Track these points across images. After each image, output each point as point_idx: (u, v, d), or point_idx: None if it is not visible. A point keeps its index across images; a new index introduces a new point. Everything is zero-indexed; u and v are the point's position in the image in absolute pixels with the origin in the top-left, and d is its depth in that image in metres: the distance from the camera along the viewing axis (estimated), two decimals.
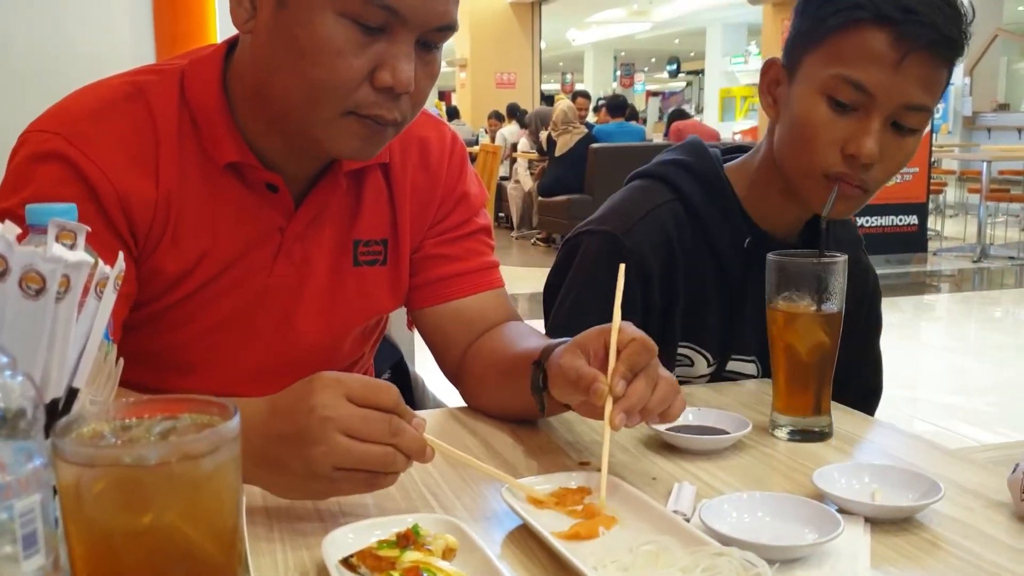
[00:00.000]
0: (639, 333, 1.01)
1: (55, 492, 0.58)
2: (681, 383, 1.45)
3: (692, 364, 1.46)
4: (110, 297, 0.70)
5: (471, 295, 1.31)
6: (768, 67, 1.38)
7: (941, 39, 1.22)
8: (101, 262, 0.70)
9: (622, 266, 1.05)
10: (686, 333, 1.44)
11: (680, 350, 1.45)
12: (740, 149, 1.52)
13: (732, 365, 1.47)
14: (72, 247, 0.68)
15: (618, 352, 0.99)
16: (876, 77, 1.22)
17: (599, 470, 1.01)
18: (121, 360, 0.76)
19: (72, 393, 0.68)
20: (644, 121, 11.52)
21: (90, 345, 0.68)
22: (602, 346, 1.01)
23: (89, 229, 0.69)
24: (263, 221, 1.17)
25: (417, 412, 1.32)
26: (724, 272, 1.43)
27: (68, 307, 0.64)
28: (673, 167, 1.46)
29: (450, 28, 1.05)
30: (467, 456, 0.95)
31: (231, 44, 1.16)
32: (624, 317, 1.38)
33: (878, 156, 1.25)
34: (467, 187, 1.34)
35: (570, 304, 1.43)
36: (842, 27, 1.24)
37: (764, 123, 1.60)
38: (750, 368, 1.49)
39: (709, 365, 1.47)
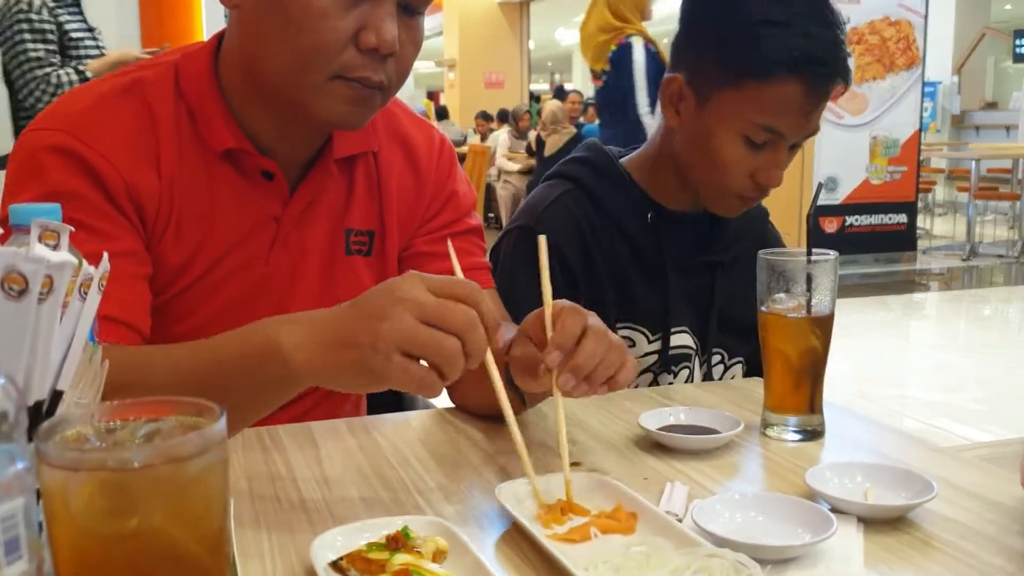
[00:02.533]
0: (567, 303, 1.02)
1: (39, 496, 0.57)
2: None
3: (634, 344, 1.50)
4: (94, 298, 0.69)
5: None
6: (670, 83, 1.44)
7: (843, 82, 1.35)
8: (85, 263, 0.69)
9: (542, 239, 1.06)
10: (619, 313, 1.49)
11: (619, 332, 1.48)
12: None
13: (676, 339, 1.51)
14: (55, 247, 0.67)
15: (552, 324, 1.00)
16: (790, 122, 1.34)
17: (590, 471, 1.01)
18: (107, 362, 0.75)
19: (56, 395, 0.67)
20: None
21: (74, 347, 0.67)
22: (542, 327, 1.02)
23: (72, 229, 0.69)
24: (259, 210, 1.18)
25: (408, 413, 1.32)
26: (636, 248, 1.49)
27: (51, 308, 0.63)
28: (571, 164, 1.56)
29: None
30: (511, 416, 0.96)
31: (220, 36, 1.18)
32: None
33: (782, 179, 1.39)
34: (456, 186, 1.35)
35: (503, 299, 1.44)
36: (761, 78, 1.31)
37: None
38: (687, 340, 1.52)
39: (650, 342, 1.50)
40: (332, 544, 0.82)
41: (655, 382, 1.52)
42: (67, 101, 1.14)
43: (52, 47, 3.70)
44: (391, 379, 0.88)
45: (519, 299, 1.43)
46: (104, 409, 0.61)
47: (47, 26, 3.70)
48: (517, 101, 15.01)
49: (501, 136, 11.61)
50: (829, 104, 1.42)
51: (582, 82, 23.65)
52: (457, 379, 0.88)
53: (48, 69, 3.68)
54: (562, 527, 0.88)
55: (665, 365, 1.52)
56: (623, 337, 1.48)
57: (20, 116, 3.77)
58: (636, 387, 1.50)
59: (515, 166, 10.80)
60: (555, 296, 1.41)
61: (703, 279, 1.52)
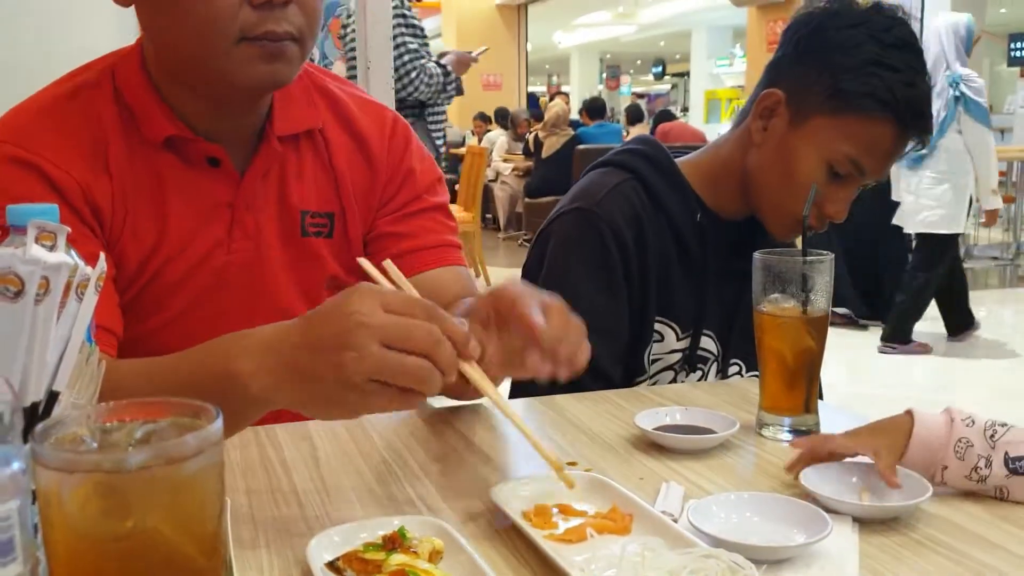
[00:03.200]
0: (514, 281, 1.01)
1: (34, 498, 0.57)
2: (654, 360, 1.48)
3: (663, 339, 1.51)
4: (91, 299, 0.69)
5: (427, 271, 1.29)
6: (767, 97, 1.44)
7: (924, 140, 1.40)
8: (82, 263, 0.69)
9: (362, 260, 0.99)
10: (658, 307, 1.50)
11: (656, 325, 1.50)
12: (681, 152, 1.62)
13: (702, 342, 1.54)
14: (52, 248, 0.67)
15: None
16: (875, 162, 1.38)
17: (586, 470, 1.01)
18: (103, 362, 0.75)
19: (53, 396, 0.67)
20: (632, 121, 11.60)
21: (71, 347, 0.67)
22: (489, 310, 0.98)
23: (70, 230, 0.69)
24: (209, 197, 1.19)
25: (405, 412, 1.32)
26: (683, 246, 1.51)
27: (47, 309, 0.63)
28: (628, 155, 1.55)
29: None
30: (514, 414, 0.91)
31: None
32: (609, 285, 1.46)
33: (838, 217, 1.41)
34: (412, 163, 1.33)
35: (554, 283, 1.44)
36: (864, 114, 1.35)
37: None
38: (710, 344, 1.55)
39: (679, 339, 1.52)
40: (329, 544, 0.82)
41: (674, 380, 1.54)
42: (12, 115, 1.14)
43: (423, 41, 4.08)
44: (369, 409, 0.86)
45: (576, 282, 1.45)
46: (100, 410, 0.61)
47: (416, 22, 4.08)
48: (515, 103, 15.04)
49: (499, 139, 11.62)
50: None
51: (579, 84, 23.66)
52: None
53: (422, 60, 4.03)
54: (558, 528, 0.88)
55: (690, 364, 1.53)
56: (655, 331, 1.50)
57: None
58: (655, 383, 1.51)
59: (510, 166, 10.82)
60: (613, 278, 1.44)
61: (734, 287, 1.52)
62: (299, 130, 1.24)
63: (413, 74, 4.00)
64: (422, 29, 4.11)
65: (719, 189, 1.52)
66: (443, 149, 4.74)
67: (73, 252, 0.69)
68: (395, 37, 3.73)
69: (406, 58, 3.97)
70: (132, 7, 1.13)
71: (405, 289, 0.94)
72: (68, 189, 1.09)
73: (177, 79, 1.15)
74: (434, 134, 4.31)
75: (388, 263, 0.96)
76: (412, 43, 4.00)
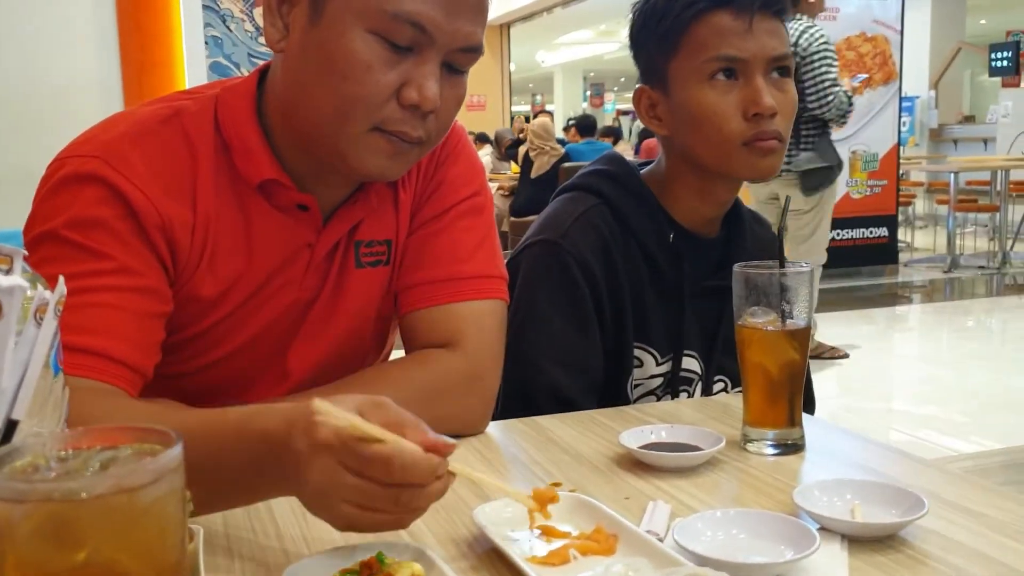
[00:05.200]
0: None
1: None
2: (636, 385, 1.46)
3: (642, 365, 1.49)
4: (51, 323, 0.67)
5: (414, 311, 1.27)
6: (639, 96, 1.50)
7: None
8: (41, 287, 0.67)
9: None
10: (635, 333, 1.47)
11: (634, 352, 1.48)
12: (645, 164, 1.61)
13: (683, 363, 1.51)
14: (9, 272, 0.65)
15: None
16: (740, 46, 1.36)
17: (571, 491, 0.99)
18: (67, 389, 0.73)
19: (11, 425, 0.65)
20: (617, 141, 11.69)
21: (29, 374, 0.65)
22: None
23: (26, 253, 0.67)
24: (295, 239, 1.18)
25: None
26: (656, 269, 1.48)
27: (1, 334, 0.61)
28: (594, 177, 1.53)
29: (475, 51, 1.08)
30: (493, 481, 0.89)
31: (263, 71, 1.17)
32: (578, 318, 1.44)
33: (775, 107, 1.37)
34: (447, 172, 1.30)
35: (522, 317, 1.43)
36: (689, 26, 1.38)
37: None
38: (694, 364, 1.52)
39: (658, 364, 1.49)
40: (305, 570, 0.80)
41: None
42: (106, 129, 1.11)
43: (837, 68, 4.78)
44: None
45: (544, 316, 1.43)
46: (58, 438, 0.59)
47: (834, 54, 4.75)
48: (499, 123, 15.05)
49: (484, 159, 11.65)
50: None
51: (563, 102, 23.74)
52: None
53: (836, 88, 4.71)
54: (541, 550, 0.86)
55: (672, 388, 1.50)
56: (635, 357, 1.47)
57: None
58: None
59: (495, 185, 10.83)
60: (583, 310, 1.42)
61: (713, 303, 1.50)
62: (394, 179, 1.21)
63: (830, 98, 4.69)
64: (836, 58, 4.78)
65: (678, 194, 1.49)
66: None
67: (39, 281, 0.67)
68: (820, 64, 4.65)
69: (827, 83, 4.68)
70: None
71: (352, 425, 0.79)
72: (146, 215, 1.06)
73: (292, 135, 1.13)
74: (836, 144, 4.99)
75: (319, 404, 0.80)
76: (832, 72, 4.69)
